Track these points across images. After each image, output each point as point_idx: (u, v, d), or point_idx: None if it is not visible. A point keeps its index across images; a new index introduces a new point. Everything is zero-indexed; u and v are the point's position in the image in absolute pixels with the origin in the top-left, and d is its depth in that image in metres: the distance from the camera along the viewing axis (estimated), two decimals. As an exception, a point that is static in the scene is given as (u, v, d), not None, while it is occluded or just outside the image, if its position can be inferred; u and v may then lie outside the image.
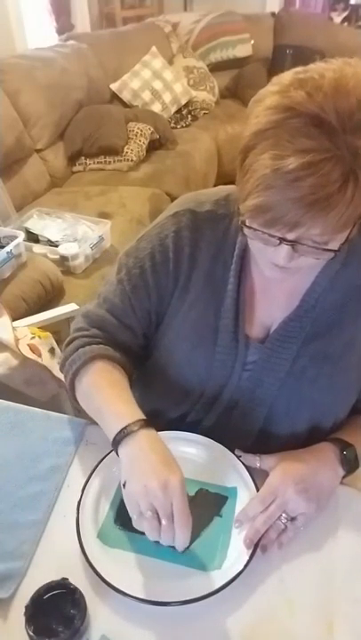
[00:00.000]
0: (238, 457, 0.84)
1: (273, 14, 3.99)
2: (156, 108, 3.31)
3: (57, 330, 1.60)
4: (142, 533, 0.71)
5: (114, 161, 2.85)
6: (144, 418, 0.77)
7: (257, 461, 0.83)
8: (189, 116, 3.48)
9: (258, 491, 0.78)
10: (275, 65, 3.83)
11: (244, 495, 0.79)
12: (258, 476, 0.81)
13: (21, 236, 1.88)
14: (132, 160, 2.85)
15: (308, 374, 0.84)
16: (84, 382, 0.86)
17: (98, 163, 2.87)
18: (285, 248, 0.67)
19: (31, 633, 0.61)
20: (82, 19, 3.83)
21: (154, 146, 3.03)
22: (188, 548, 0.71)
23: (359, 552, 0.76)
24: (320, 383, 0.84)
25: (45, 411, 0.95)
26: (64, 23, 3.70)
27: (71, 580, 0.66)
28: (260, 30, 3.87)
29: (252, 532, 0.73)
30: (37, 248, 2.10)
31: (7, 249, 1.80)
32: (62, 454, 0.88)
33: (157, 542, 0.71)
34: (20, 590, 0.70)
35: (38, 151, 2.74)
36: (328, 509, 0.79)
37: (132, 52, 3.33)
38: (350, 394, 0.88)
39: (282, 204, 0.62)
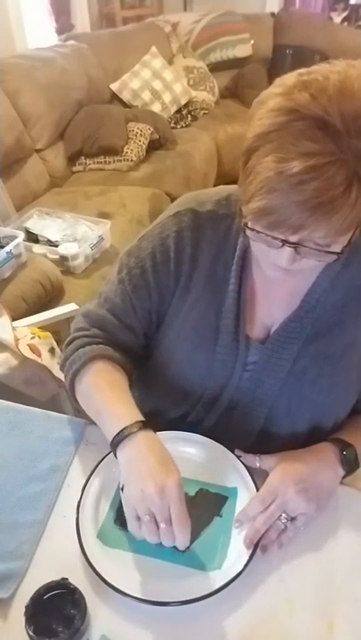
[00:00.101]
0: (238, 457, 0.84)
1: (273, 14, 3.99)
2: (156, 108, 3.31)
3: (57, 330, 1.60)
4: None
5: (114, 161, 2.85)
6: (142, 419, 0.77)
7: (257, 461, 0.83)
8: (189, 115, 3.48)
9: (258, 491, 0.78)
10: (275, 65, 3.83)
11: (245, 495, 0.79)
12: (258, 476, 0.81)
13: (21, 236, 1.88)
14: (131, 160, 2.85)
15: (308, 375, 0.84)
16: (84, 383, 0.86)
17: (98, 163, 2.87)
18: (288, 250, 0.67)
19: (31, 633, 0.61)
20: (82, 19, 3.83)
21: (154, 146, 3.03)
22: (188, 547, 0.71)
23: (359, 552, 0.76)
24: (321, 384, 0.84)
25: (45, 411, 0.95)
26: (64, 23, 3.70)
27: (71, 580, 0.66)
28: (260, 30, 3.87)
29: (252, 532, 0.73)
30: (37, 248, 2.10)
31: (7, 249, 1.80)
32: (62, 454, 0.88)
33: (158, 542, 0.71)
34: (20, 590, 0.70)
35: (38, 151, 2.75)
36: (328, 509, 0.79)
37: (131, 51, 3.33)
38: (351, 394, 0.88)
39: (285, 207, 0.61)
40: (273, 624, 0.68)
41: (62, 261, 2.06)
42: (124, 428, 0.75)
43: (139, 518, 0.70)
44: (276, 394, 0.86)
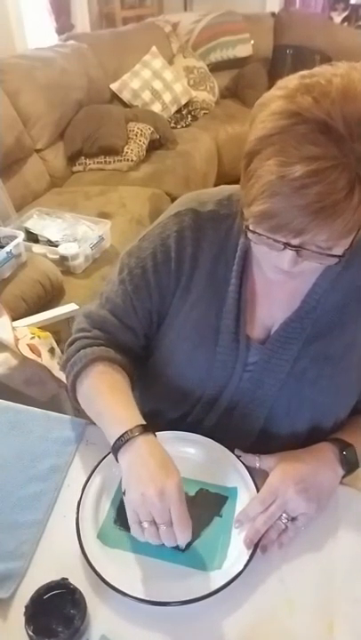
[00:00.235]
0: (238, 457, 0.84)
1: (273, 14, 3.99)
2: (156, 108, 3.31)
3: (57, 330, 1.60)
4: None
5: (114, 161, 2.85)
6: (143, 423, 0.77)
7: (256, 461, 0.83)
8: (189, 115, 3.48)
9: (258, 491, 0.78)
10: (275, 65, 3.83)
11: (245, 495, 0.79)
12: (258, 477, 0.81)
13: (21, 235, 1.88)
14: (132, 160, 2.85)
15: (308, 375, 0.84)
16: (85, 385, 0.86)
17: (98, 163, 2.87)
18: (290, 253, 0.67)
19: (31, 633, 0.61)
20: (82, 19, 3.83)
21: (154, 146, 3.03)
22: (188, 546, 0.72)
23: (359, 552, 0.76)
24: (321, 384, 0.84)
25: (45, 411, 0.95)
26: (64, 23, 3.70)
27: (71, 580, 0.66)
28: (260, 30, 3.87)
29: (253, 533, 0.73)
30: (37, 248, 2.10)
31: (7, 249, 1.80)
32: (62, 454, 0.88)
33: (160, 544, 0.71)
34: (19, 590, 0.70)
35: (38, 151, 2.74)
36: (328, 509, 0.79)
37: (132, 52, 3.33)
38: (351, 395, 0.88)
39: (287, 212, 0.61)
40: (273, 624, 0.68)
41: (62, 261, 2.06)
42: (124, 433, 0.75)
43: (141, 522, 0.70)
44: (276, 394, 0.86)
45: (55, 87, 2.78)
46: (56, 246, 2.07)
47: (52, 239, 2.10)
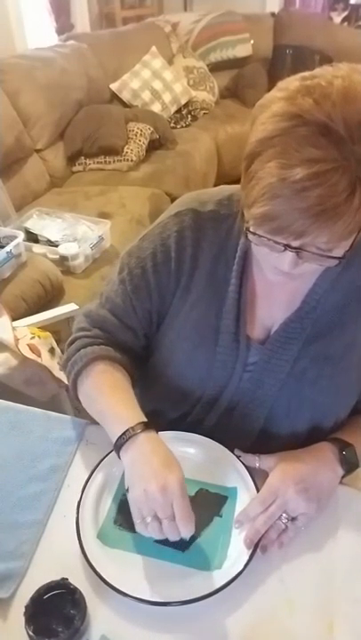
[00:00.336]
0: (238, 457, 0.84)
1: (273, 14, 3.99)
2: (156, 108, 3.31)
3: (57, 330, 1.60)
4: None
5: (114, 161, 2.85)
6: (145, 420, 0.77)
7: (256, 461, 0.83)
8: (189, 115, 3.48)
9: (258, 491, 0.78)
10: (275, 65, 3.83)
11: (244, 495, 0.79)
12: (258, 477, 0.81)
13: (21, 235, 1.88)
14: (131, 160, 2.85)
15: (308, 375, 0.84)
16: (86, 384, 0.86)
17: (98, 163, 2.87)
18: (290, 255, 0.67)
19: (31, 633, 0.61)
20: (81, 19, 3.83)
21: (154, 146, 3.03)
22: (189, 546, 0.72)
23: (359, 552, 0.76)
24: (321, 384, 0.84)
25: (45, 411, 0.95)
26: (64, 23, 3.70)
27: (71, 580, 0.66)
28: (260, 30, 3.87)
29: (253, 533, 0.73)
30: (37, 248, 2.10)
31: (7, 249, 1.80)
32: (62, 454, 0.88)
33: (158, 542, 0.72)
34: (19, 590, 0.70)
35: (38, 151, 2.74)
36: (328, 509, 0.79)
37: (131, 52, 3.33)
38: (351, 395, 0.88)
39: (288, 214, 0.61)
40: (273, 624, 0.68)
41: (62, 261, 2.06)
42: (126, 430, 0.76)
43: (144, 520, 0.70)
44: (276, 394, 0.86)
45: (55, 87, 2.78)
46: (56, 246, 2.07)
47: (52, 239, 2.10)
